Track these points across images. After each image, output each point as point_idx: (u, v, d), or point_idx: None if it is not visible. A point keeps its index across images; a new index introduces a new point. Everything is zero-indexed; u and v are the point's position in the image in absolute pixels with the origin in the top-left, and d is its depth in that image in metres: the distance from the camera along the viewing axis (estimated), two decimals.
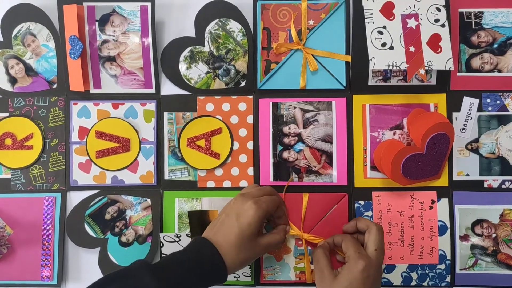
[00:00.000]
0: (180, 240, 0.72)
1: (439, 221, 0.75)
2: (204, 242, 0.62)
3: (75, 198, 0.78)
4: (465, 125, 0.75)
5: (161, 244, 0.72)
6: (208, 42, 0.77)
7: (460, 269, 0.75)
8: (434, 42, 0.70)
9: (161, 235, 0.72)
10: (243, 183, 0.77)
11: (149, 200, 0.77)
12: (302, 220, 0.75)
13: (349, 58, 0.75)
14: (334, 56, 0.75)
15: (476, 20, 0.75)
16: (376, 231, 0.66)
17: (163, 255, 0.73)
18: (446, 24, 0.70)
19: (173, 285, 0.57)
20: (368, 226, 0.67)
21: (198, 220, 0.72)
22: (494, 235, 0.75)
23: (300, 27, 0.76)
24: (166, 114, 0.78)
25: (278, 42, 0.76)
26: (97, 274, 0.77)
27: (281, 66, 0.76)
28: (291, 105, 0.76)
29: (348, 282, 0.62)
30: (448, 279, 0.75)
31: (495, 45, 0.75)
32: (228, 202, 0.67)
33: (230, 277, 0.72)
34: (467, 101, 0.75)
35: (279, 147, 0.77)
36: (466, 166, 0.75)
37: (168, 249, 0.72)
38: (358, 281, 0.61)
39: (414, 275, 0.75)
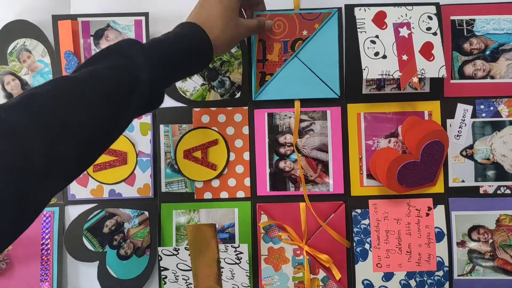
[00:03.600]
0: (178, 253, 0.72)
1: (436, 227, 0.75)
2: (188, 23, 0.62)
3: (73, 212, 0.78)
4: (460, 131, 0.76)
5: (160, 258, 0.72)
6: None
7: (458, 275, 0.75)
8: (427, 50, 0.70)
9: (159, 248, 0.72)
10: (240, 194, 0.77)
11: (146, 213, 0.78)
12: (304, 230, 0.75)
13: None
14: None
15: (468, 28, 0.76)
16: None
17: (161, 268, 0.73)
18: (438, 32, 0.71)
19: (162, 61, 0.57)
20: None
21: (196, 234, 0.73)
22: (490, 241, 0.75)
23: (293, 38, 0.76)
24: (162, 127, 0.78)
25: (273, 54, 0.76)
26: None
27: (275, 77, 0.76)
28: (286, 115, 0.77)
29: None
30: (447, 285, 0.75)
31: (487, 52, 0.76)
32: None
33: (229, 287, 0.73)
34: (461, 107, 0.76)
35: (275, 157, 0.77)
36: (461, 173, 0.76)
37: (167, 262, 0.72)
38: None
39: (412, 282, 0.75)
